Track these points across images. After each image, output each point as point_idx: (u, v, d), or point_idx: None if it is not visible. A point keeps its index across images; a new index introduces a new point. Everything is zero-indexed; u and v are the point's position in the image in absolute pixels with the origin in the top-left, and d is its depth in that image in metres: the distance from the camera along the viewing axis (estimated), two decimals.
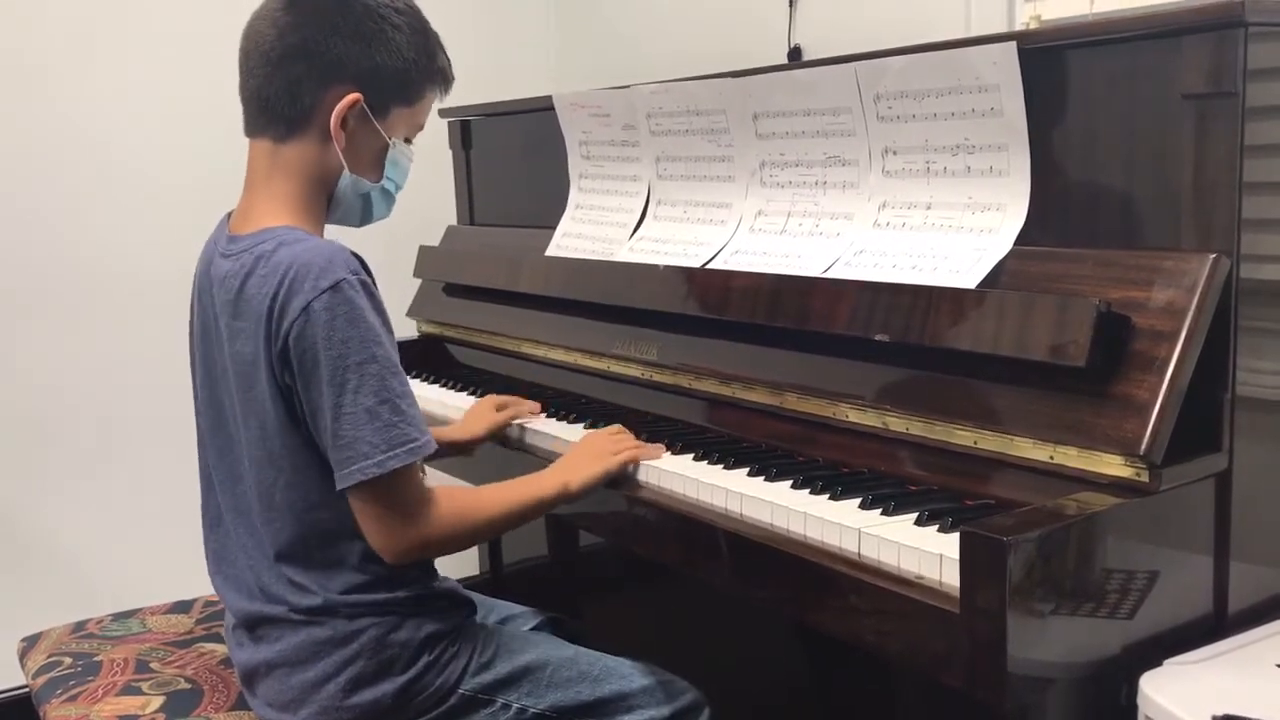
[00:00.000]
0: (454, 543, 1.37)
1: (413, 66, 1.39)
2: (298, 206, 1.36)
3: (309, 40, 1.32)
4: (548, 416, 1.77)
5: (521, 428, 1.76)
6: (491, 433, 1.74)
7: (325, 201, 1.40)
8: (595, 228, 1.98)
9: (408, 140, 1.45)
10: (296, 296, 1.25)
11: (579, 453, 1.51)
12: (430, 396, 1.99)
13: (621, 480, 1.50)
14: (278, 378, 1.28)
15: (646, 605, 2.17)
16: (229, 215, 1.42)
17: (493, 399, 1.80)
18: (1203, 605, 1.21)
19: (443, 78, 1.44)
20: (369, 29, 1.34)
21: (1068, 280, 1.26)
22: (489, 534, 1.39)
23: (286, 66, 1.32)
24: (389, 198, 1.46)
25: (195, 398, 1.45)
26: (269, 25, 1.33)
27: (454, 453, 1.73)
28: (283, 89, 1.33)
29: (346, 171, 1.38)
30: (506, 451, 1.74)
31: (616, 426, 1.58)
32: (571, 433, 1.66)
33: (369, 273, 1.31)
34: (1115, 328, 1.17)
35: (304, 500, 1.32)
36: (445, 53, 1.44)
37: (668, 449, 1.53)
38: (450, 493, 1.36)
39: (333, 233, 1.40)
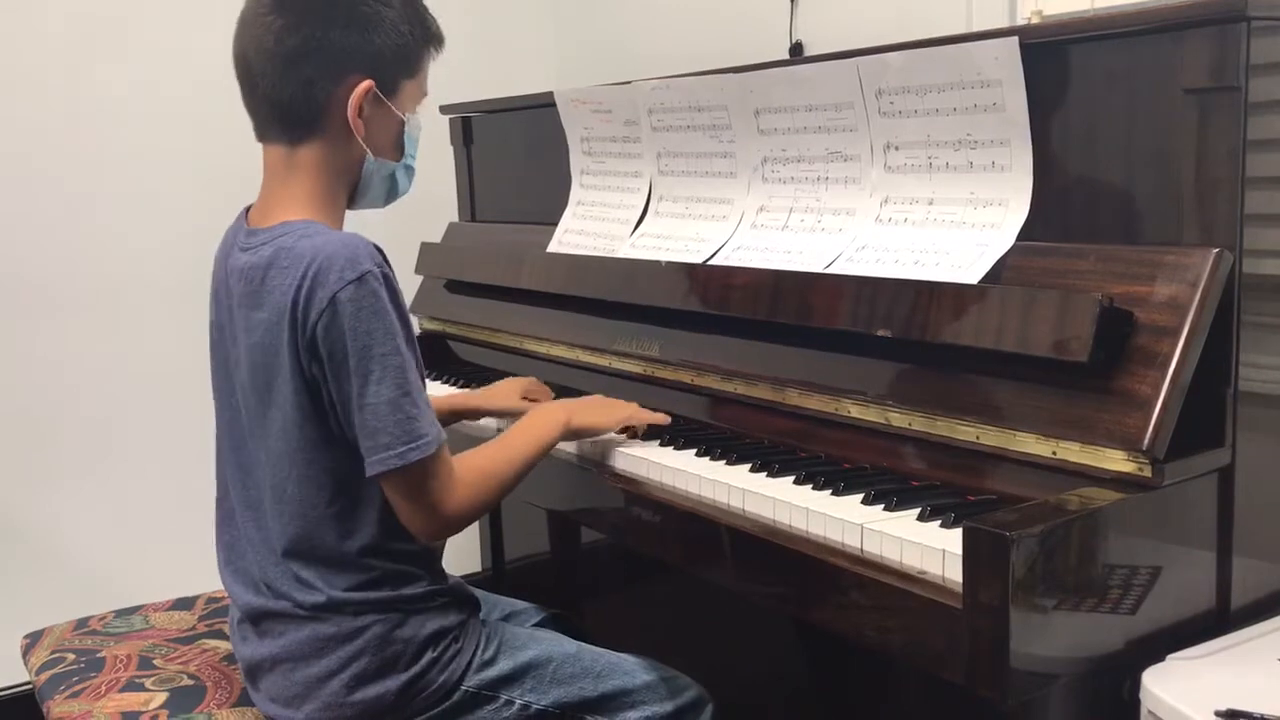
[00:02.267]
0: (480, 511, 1.39)
1: (410, 39, 1.39)
2: (318, 203, 1.37)
3: (309, 39, 1.32)
4: None
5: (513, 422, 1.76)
6: (503, 412, 1.77)
7: (346, 194, 1.41)
8: (597, 224, 1.98)
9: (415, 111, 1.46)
10: (322, 288, 1.25)
11: (584, 399, 1.56)
12: (432, 393, 1.98)
13: (623, 476, 1.50)
14: (304, 369, 1.28)
15: (649, 602, 2.17)
16: (246, 210, 1.43)
17: (521, 383, 1.81)
18: (1205, 600, 1.21)
19: (438, 40, 1.44)
20: (362, 14, 1.34)
21: (1070, 275, 1.26)
22: (509, 491, 1.42)
23: (294, 69, 1.32)
24: (410, 172, 1.47)
25: (213, 391, 1.45)
26: (263, 31, 1.32)
27: (468, 416, 1.78)
28: (296, 92, 1.33)
29: (371, 158, 1.39)
30: None
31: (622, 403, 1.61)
32: None
33: (389, 265, 1.31)
34: (1118, 323, 1.17)
35: (315, 495, 1.32)
36: (430, 12, 1.43)
37: (670, 445, 1.53)
38: (465, 465, 1.36)
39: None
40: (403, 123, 1.41)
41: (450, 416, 1.75)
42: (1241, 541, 1.21)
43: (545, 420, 1.48)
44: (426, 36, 1.42)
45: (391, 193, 1.46)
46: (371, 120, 1.37)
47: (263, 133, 1.39)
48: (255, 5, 1.35)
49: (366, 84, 1.35)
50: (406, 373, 1.28)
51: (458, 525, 1.37)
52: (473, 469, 1.37)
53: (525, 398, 1.79)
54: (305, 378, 1.29)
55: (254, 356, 1.32)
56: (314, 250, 1.28)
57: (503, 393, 1.80)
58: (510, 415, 1.76)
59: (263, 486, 1.36)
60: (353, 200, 1.43)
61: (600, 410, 1.54)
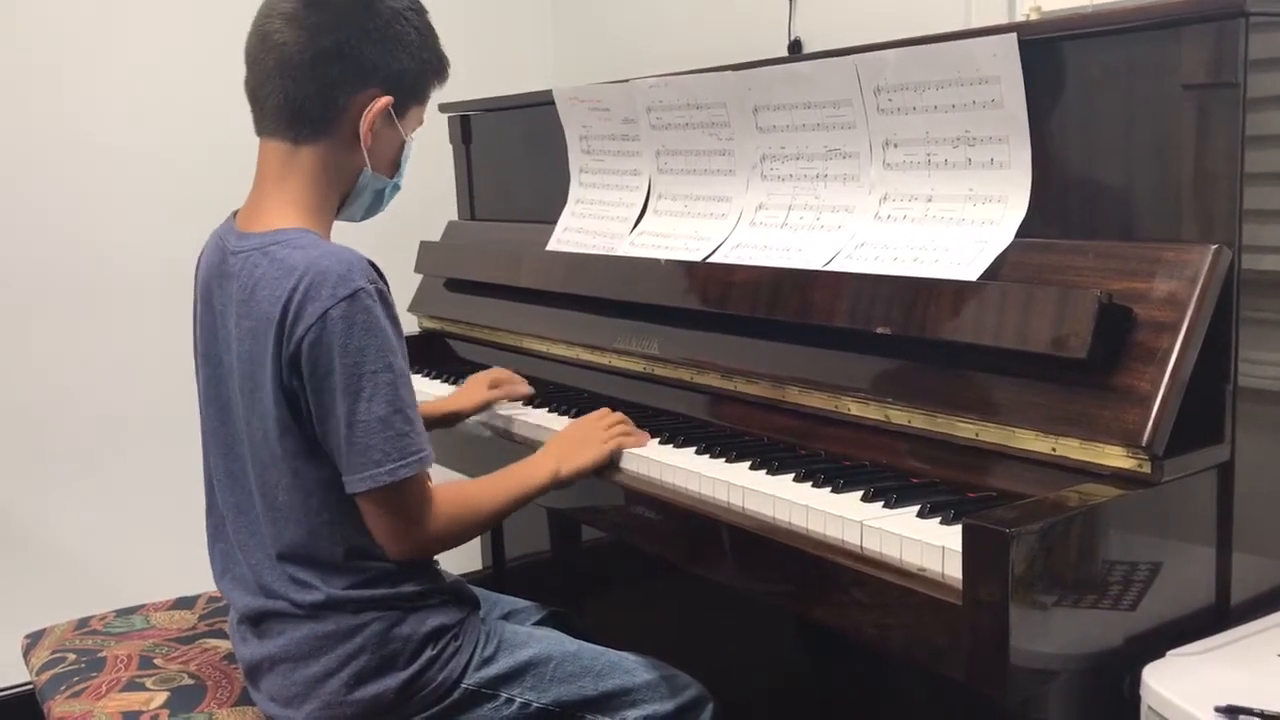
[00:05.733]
0: (456, 540, 1.39)
1: (427, 66, 1.42)
2: (310, 208, 1.37)
3: (342, 44, 1.33)
4: (549, 411, 1.77)
5: (510, 419, 1.77)
6: (480, 407, 1.79)
7: (337, 201, 1.42)
8: (596, 222, 1.98)
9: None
10: (313, 303, 1.25)
11: (568, 438, 1.53)
12: (432, 392, 1.99)
13: (623, 474, 1.50)
14: (284, 381, 1.28)
15: (649, 600, 2.17)
16: (235, 213, 1.42)
17: (488, 375, 1.84)
18: (1205, 596, 1.21)
19: (445, 73, 1.47)
20: (394, 32, 1.37)
21: (1069, 272, 1.25)
22: (487, 527, 1.44)
23: (320, 70, 1.33)
24: (396, 191, 1.49)
25: (199, 395, 1.45)
26: (294, 27, 1.32)
27: (440, 424, 1.77)
28: (315, 92, 1.33)
29: (368, 170, 1.40)
30: (506, 444, 1.74)
31: (603, 410, 1.59)
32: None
33: (384, 280, 1.31)
34: (1117, 319, 1.17)
35: (304, 503, 1.32)
36: (442, 46, 1.46)
37: (670, 443, 1.53)
38: (449, 491, 1.38)
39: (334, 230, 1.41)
40: (404, 143, 1.43)
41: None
42: (1241, 537, 1.21)
43: (535, 469, 1.47)
44: (440, 68, 1.45)
45: (373, 208, 1.48)
46: (379, 135, 1.39)
47: (265, 126, 1.38)
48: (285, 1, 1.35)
49: (386, 100, 1.37)
50: (399, 389, 1.28)
51: (432, 548, 1.37)
52: (456, 497, 1.38)
53: (494, 386, 1.81)
54: (285, 390, 1.29)
55: (242, 365, 1.32)
56: (307, 263, 1.27)
57: (470, 391, 1.81)
58: (480, 410, 1.79)
59: (254, 492, 1.36)
60: (337, 210, 1.43)
61: (587, 447, 1.51)
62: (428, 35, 1.42)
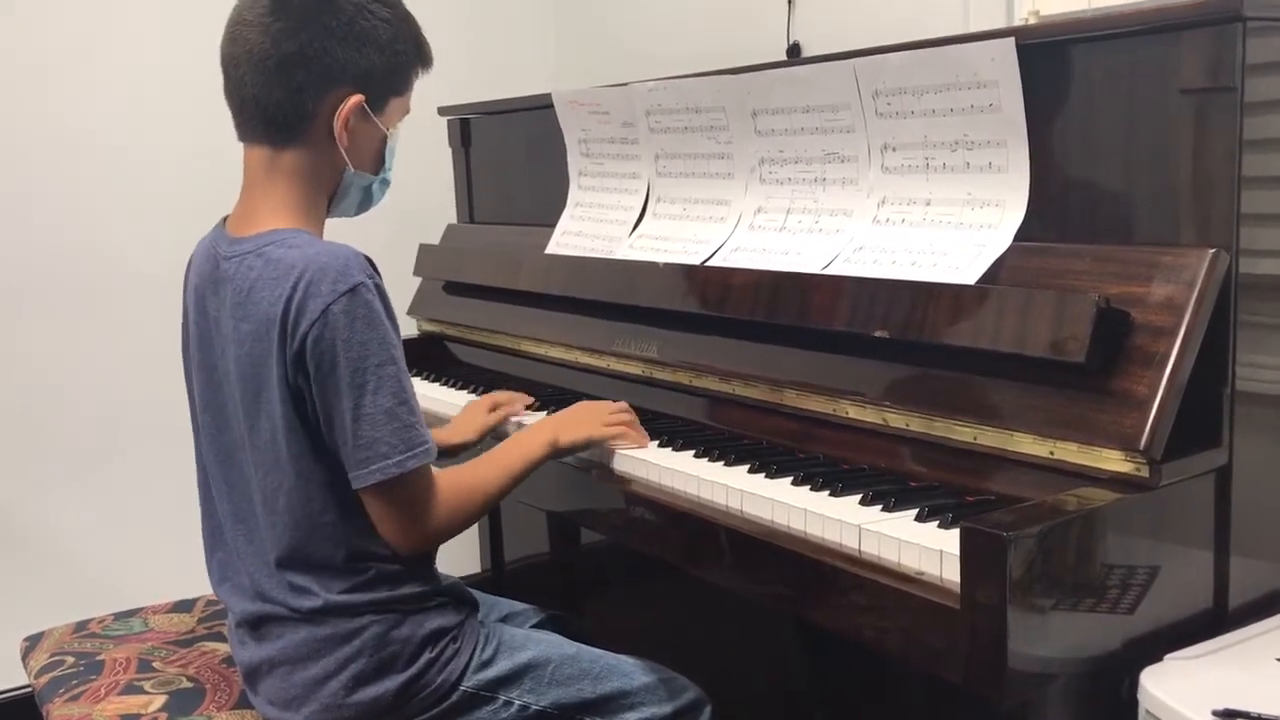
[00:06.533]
0: (461, 525, 1.39)
1: (402, 57, 1.39)
2: (300, 209, 1.37)
3: (306, 47, 1.31)
4: (548, 414, 1.77)
5: (519, 424, 1.76)
6: (483, 436, 1.74)
7: (326, 201, 1.41)
8: (595, 225, 1.98)
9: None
10: (314, 299, 1.25)
11: (568, 413, 1.54)
12: (431, 395, 1.99)
13: (622, 477, 1.50)
14: (290, 380, 1.28)
15: (648, 603, 2.17)
16: (224, 219, 1.42)
17: (486, 400, 1.79)
18: (1203, 600, 1.21)
19: (428, 61, 1.45)
20: (361, 28, 1.34)
21: (1067, 276, 1.26)
22: (490, 508, 1.45)
23: (286, 75, 1.32)
24: (385, 185, 1.47)
25: (192, 403, 1.45)
26: (259, 32, 1.31)
27: (444, 455, 1.72)
28: (284, 97, 1.32)
29: (350, 169, 1.39)
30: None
31: (611, 403, 1.58)
32: None
33: (379, 274, 1.31)
34: (1115, 323, 1.17)
35: (305, 505, 1.32)
36: (422, 32, 1.44)
37: (668, 446, 1.53)
38: (448, 478, 1.37)
39: (330, 225, 1.41)
40: (385, 138, 1.41)
41: None
42: (1239, 541, 1.21)
43: (532, 440, 1.47)
44: (419, 57, 1.43)
45: (365, 204, 1.47)
46: (356, 133, 1.37)
47: (245, 133, 1.38)
48: (252, 4, 1.33)
49: (357, 99, 1.35)
50: (402, 381, 1.29)
51: (438, 539, 1.37)
52: (456, 484, 1.38)
53: (494, 408, 1.75)
54: (291, 389, 1.28)
55: (242, 368, 1.32)
56: (305, 261, 1.27)
57: (470, 420, 1.75)
58: (484, 440, 1.72)
59: (253, 499, 1.36)
60: (328, 209, 1.43)
61: (587, 423, 1.51)
62: (400, 25, 1.38)
